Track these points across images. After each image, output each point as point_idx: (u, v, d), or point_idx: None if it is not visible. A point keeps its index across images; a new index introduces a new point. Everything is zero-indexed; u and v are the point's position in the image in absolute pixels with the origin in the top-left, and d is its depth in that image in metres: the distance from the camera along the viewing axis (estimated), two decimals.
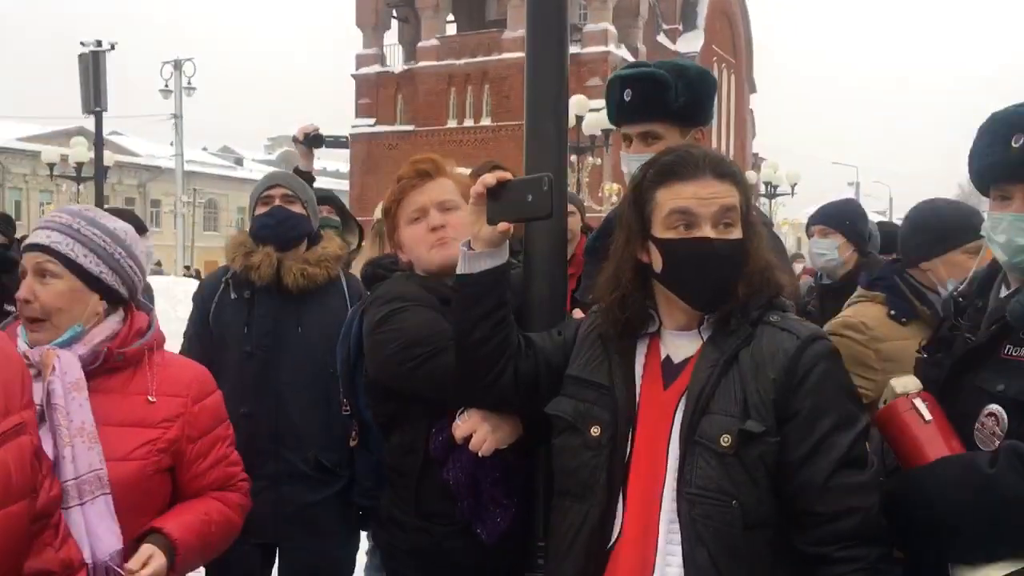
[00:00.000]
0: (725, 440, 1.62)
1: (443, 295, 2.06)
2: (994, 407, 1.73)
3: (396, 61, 39.40)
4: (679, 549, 1.64)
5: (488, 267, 1.84)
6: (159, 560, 1.84)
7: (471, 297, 1.85)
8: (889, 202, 47.25)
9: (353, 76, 39.69)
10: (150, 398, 1.96)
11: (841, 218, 3.99)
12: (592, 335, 1.85)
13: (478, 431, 1.91)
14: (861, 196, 43.76)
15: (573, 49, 34.42)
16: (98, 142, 13.81)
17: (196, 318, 2.91)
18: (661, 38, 40.85)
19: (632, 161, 2.27)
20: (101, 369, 1.93)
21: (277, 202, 2.88)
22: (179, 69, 28.80)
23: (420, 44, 38.00)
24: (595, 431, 1.75)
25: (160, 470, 1.96)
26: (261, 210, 2.89)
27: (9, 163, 42.73)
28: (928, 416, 1.77)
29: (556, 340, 1.92)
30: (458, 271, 1.88)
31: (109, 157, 20.57)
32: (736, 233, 1.73)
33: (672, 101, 2.32)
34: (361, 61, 39.60)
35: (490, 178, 1.81)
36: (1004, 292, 1.86)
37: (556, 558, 1.81)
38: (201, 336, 2.87)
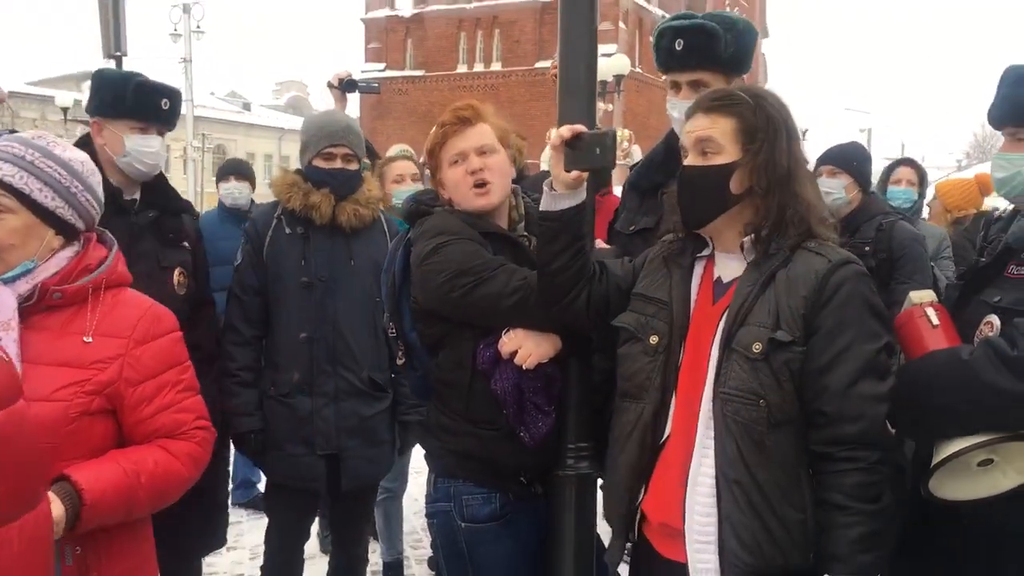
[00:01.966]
0: (756, 347, 1.83)
1: (483, 229, 2.30)
2: (991, 316, 1.99)
3: (406, 4, 39.10)
4: (712, 444, 1.87)
5: (567, 206, 2.06)
6: (55, 510, 1.66)
7: (552, 231, 2.07)
8: (901, 148, 47.04)
9: (362, 20, 39.45)
10: (85, 338, 1.84)
11: (849, 159, 4.17)
12: (658, 259, 2.10)
13: (523, 347, 2.17)
14: (873, 142, 43.51)
15: None
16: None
17: (249, 250, 3.11)
18: None
19: (681, 106, 2.46)
20: (40, 306, 1.82)
21: (339, 163, 3.09)
22: (188, 12, 28.68)
23: None
24: (653, 340, 1.98)
25: (90, 412, 1.83)
26: (321, 163, 3.08)
27: (19, 107, 42.72)
28: (936, 322, 2.02)
29: (626, 266, 2.17)
30: (541, 208, 2.10)
31: None
32: (719, 159, 1.93)
33: (721, 52, 2.51)
34: (370, 4, 39.37)
35: (566, 131, 2.02)
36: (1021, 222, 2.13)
37: (614, 452, 2.04)
38: (255, 266, 3.09)
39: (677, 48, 2.55)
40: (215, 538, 3.37)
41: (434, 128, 2.43)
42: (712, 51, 2.51)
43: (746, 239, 1.94)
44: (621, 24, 34.38)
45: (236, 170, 5.52)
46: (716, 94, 2.01)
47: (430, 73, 37.39)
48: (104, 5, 13.90)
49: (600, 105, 19.15)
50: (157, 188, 2.92)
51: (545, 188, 2.09)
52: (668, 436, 1.97)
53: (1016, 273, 2.02)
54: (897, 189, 4.85)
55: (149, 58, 31.20)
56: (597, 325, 2.14)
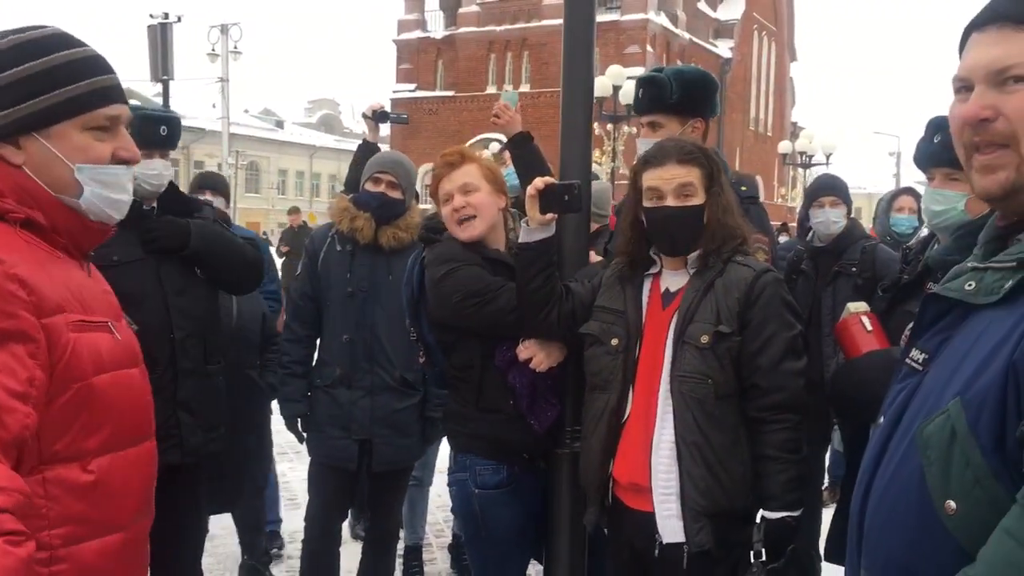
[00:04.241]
0: (704, 339, 2.32)
1: (483, 255, 2.75)
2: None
3: (437, 26, 39.80)
4: (671, 416, 2.34)
5: (541, 238, 2.56)
6: None
7: (529, 259, 2.55)
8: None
9: (394, 41, 40.21)
10: None
11: (845, 191, 4.66)
12: (612, 277, 2.57)
13: (537, 354, 2.64)
14: (902, 166, 43.66)
15: (612, 16, 34.53)
16: (166, 108, 14.68)
17: (307, 262, 3.68)
18: (702, 4, 40.79)
19: (642, 145, 2.96)
20: None
21: (383, 187, 3.59)
22: (226, 33, 29.48)
23: (461, 10, 38.37)
24: (614, 342, 2.46)
25: None
26: (370, 187, 3.61)
27: None
28: (869, 328, 2.47)
29: (587, 286, 2.63)
30: (520, 240, 2.59)
31: None
32: (694, 201, 2.41)
33: (668, 97, 2.99)
34: (402, 26, 40.09)
35: (540, 183, 2.52)
36: (937, 247, 2.56)
37: (587, 434, 2.52)
38: (311, 276, 3.63)
39: (639, 96, 3.07)
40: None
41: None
42: (661, 97, 3.00)
43: (692, 256, 2.43)
44: (649, 48, 34.86)
45: (212, 184, 5.17)
46: (682, 149, 2.47)
47: (460, 94, 38.01)
48: (153, 33, 14.62)
49: (625, 128, 19.62)
50: (170, 197, 3.25)
51: (523, 225, 2.60)
52: (628, 416, 2.43)
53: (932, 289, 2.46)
54: (900, 216, 5.25)
55: (189, 79, 31.72)
56: (566, 335, 2.61)
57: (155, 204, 3.24)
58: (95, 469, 1.53)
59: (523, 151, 3.23)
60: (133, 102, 3.35)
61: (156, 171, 3.19)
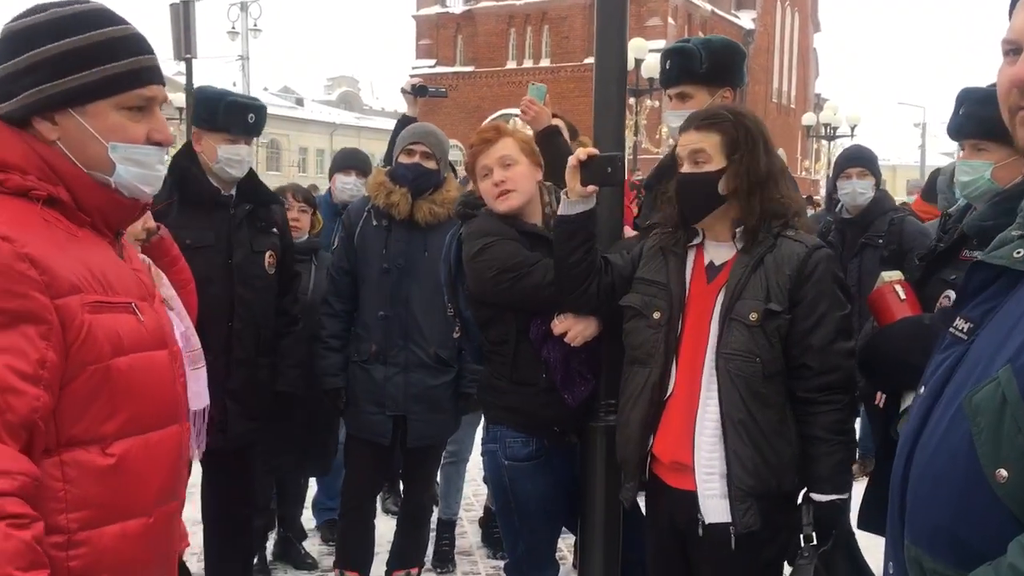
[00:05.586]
0: (753, 316, 2.27)
1: (520, 229, 2.75)
2: (949, 291, 2.40)
3: (456, 1, 39.59)
4: (715, 394, 2.29)
5: (581, 211, 2.49)
6: None
7: (568, 232, 2.49)
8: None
9: (413, 17, 40.04)
10: None
11: (874, 162, 4.65)
12: (654, 248, 2.52)
13: (573, 328, 2.63)
14: (927, 137, 43.07)
15: None
16: (189, 88, 14.68)
17: (344, 236, 3.68)
18: None
19: (671, 117, 2.95)
20: None
21: (417, 158, 3.57)
22: (245, 11, 29.43)
23: None
24: (656, 315, 2.41)
25: None
26: (403, 159, 3.60)
27: None
28: (903, 296, 2.46)
29: (625, 258, 2.59)
30: (559, 213, 2.55)
31: (179, 98, 21.27)
32: (708, 167, 2.35)
33: (697, 67, 2.96)
34: (422, 1, 39.91)
35: (583, 153, 2.46)
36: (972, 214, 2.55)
37: (626, 409, 2.47)
38: (347, 251, 3.64)
39: (667, 67, 3.04)
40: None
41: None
42: (690, 68, 2.97)
43: (738, 230, 2.38)
44: (670, 20, 34.53)
45: (360, 166, 5.01)
46: (705, 114, 2.45)
47: (480, 69, 37.86)
48: (176, 12, 14.59)
49: (648, 102, 19.47)
50: (250, 185, 3.42)
51: (563, 196, 2.55)
52: (671, 393, 2.39)
53: (968, 256, 2.44)
54: None
55: (209, 57, 31.77)
56: (605, 308, 2.58)
57: (234, 191, 3.37)
58: (115, 453, 1.50)
59: (552, 144, 3.23)
60: (225, 90, 3.44)
61: (240, 157, 3.31)
